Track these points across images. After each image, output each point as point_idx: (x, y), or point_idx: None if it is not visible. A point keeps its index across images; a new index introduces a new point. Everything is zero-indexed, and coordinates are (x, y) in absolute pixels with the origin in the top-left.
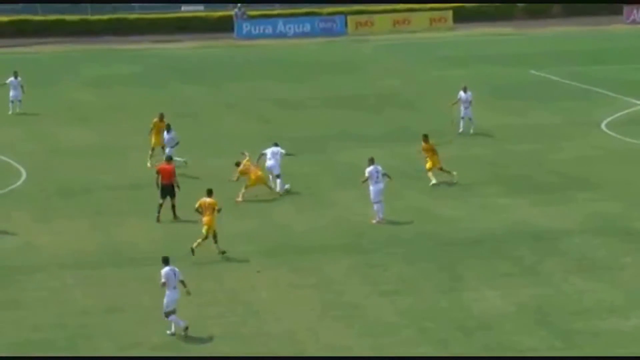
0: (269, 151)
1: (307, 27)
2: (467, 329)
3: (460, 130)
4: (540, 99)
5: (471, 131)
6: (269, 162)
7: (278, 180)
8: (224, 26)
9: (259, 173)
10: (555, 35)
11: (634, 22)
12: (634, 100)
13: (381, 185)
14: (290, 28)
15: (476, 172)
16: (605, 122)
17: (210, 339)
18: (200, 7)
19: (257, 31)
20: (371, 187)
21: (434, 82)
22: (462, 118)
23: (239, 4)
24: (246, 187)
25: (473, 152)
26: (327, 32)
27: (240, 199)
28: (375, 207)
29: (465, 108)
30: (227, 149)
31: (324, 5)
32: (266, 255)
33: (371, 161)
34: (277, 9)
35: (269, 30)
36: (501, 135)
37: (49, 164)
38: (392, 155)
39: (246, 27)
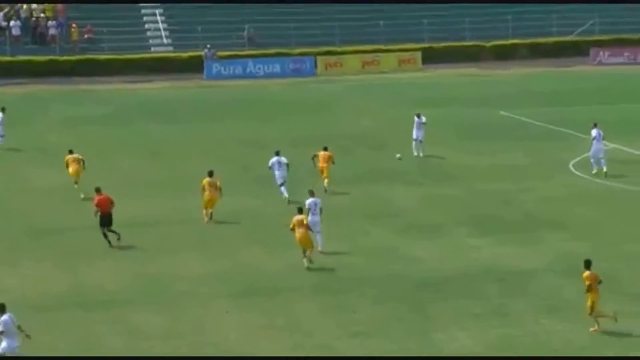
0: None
1: (277, 68)
2: None
3: (415, 153)
4: (509, 140)
5: (421, 154)
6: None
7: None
8: (194, 67)
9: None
10: (523, 77)
11: (600, 63)
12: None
13: (317, 218)
14: (260, 68)
15: (445, 212)
16: (572, 162)
17: None
18: (170, 47)
19: (226, 72)
20: (309, 218)
21: (404, 123)
22: (415, 140)
23: (208, 45)
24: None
25: (442, 192)
26: (297, 73)
27: None
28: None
29: (418, 130)
30: (192, 188)
31: (294, 47)
32: (235, 296)
33: (311, 193)
34: (247, 50)
35: (239, 70)
36: (470, 176)
37: (18, 205)
38: (362, 194)
39: (216, 67)
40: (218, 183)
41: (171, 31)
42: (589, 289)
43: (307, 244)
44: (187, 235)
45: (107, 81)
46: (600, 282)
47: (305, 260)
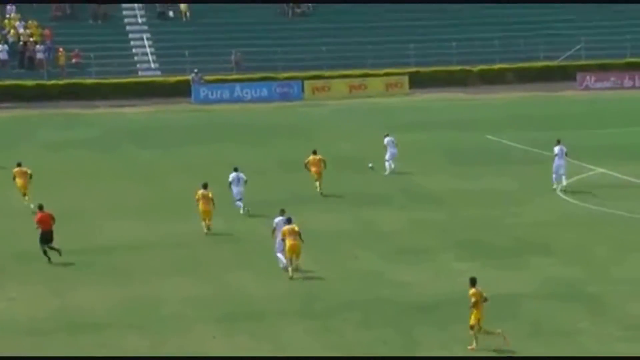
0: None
1: (265, 92)
2: None
3: (386, 172)
4: (496, 164)
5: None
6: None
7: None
8: (181, 91)
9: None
10: (510, 101)
11: (587, 88)
12: (588, 166)
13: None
14: (247, 93)
15: (431, 237)
16: (560, 187)
17: None
18: (158, 72)
19: (213, 96)
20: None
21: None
22: (387, 161)
23: (195, 69)
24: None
25: (428, 217)
26: (284, 97)
27: None
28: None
29: (392, 148)
30: (179, 211)
31: (281, 71)
32: (221, 320)
33: (282, 212)
34: (234, 74)
35: (226, 94)
36: (457, 200)
37: (5, 229)
38: (349, 218)
39: (203, 91)
40: (210, 195)
41: (158, 55)
42: (474, 305)
43: (297, 253)
44: (174, 258)
45: (95, 105)
46: (485, 300)
47: (290, 269)
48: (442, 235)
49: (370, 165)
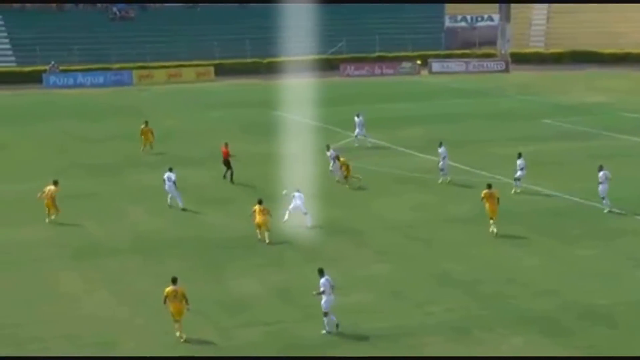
0: (296, 195)
1: (101, 79)
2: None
3: (357, 145)
4: (281, 133)
5: (368, 144)
6: (296, 202)
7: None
8: (34, 78)
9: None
10: (291, 85)
11: (348, 75)
12: (349, 133)
13: (299, 202)
14: (87, 79)
15: (231, 189)
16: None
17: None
18: (13, 63)
19: (61, 82)
20: (294, 203)
21: (200, 122)
22: (356, 136)
23: (52, 61)
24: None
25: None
26: (117, 83)
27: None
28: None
29: (360, 129)
30: (31, 174)
31: (114, 62)
32: (71, 258)
33: (298, 191)
34: (76, 65)
35: (71, 81)
36: (251, 161)
37: None
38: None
39: (52, 79)
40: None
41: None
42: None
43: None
44: (28, 210)
45: None
46: (185, 298)
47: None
48: (240, 187)
49: (284, 192)
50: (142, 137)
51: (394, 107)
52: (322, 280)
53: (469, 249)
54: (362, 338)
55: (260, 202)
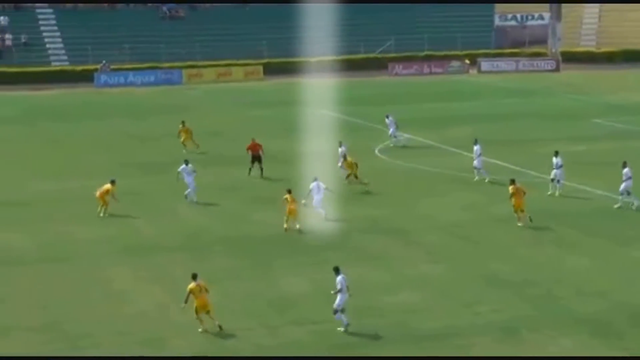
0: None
1: (151, 78)
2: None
3: (392, 145)
4: (328, 132)
5: (401, 144)
6: (316, 197)
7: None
8: (86, 77)
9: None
10: (340, 84)
11: (396, 74)
12: (397, 132)
13: (321, 196)
14: (138, 78)
15: (277, 186)
16: (377, 148)
17: None
18: (66, 62)
19: (112, 81)
20: (315, 197)
21: (248, 120)
22: (391, 137)
23: (104, 60)
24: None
25: (274, 174)
26: (167, 82)
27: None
28: (321, 211)
29: (393, 129)
30: (82, 172)
31: (164, 61)
32: (122, 254)
33: (315, 179)
34: (127, 64)
35: (122, 80)
36: (301, 159)
37: None
38: (220, 174)
39: (104, 77)
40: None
41: (68, 49)
42: (187, 299)
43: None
44: (82, 208)
45: (16, 88)
46: (207, 290)
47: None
48: (285, 184)
49: (303, 202)
50: (183, 135)
51: (442, 107)
52: (339, 278)
53: (517, 250)
54: (409, 338)
55: (289, 192)
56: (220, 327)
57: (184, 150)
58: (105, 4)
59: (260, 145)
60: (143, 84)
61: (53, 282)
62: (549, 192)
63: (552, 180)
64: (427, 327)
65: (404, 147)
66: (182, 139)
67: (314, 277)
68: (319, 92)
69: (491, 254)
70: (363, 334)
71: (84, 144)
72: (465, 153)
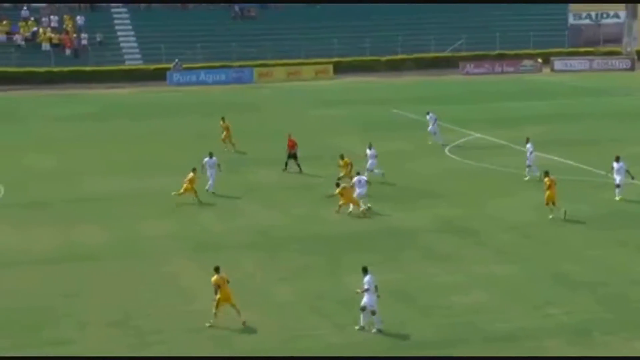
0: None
1: (223, 77)
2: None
3: (430, 142)
4: (398, 131)
5: (441, 142)
6: (358, 190)
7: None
8: (159, 76)
9: (351, 197)
10: (410, 83)
11: (467, 73)
12: (468, 132)
13: (364, 189)
14: (209, 77)
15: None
16: (448, 148)
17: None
18: (140, 61)
19: (184, 80)
20: (357, 190)
21: (319, 119)
22: (430, 133)
23: (176, 59)
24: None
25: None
26: (238, 81)
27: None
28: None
29: (432, 125)
30: (157, 169)
31: (235, 60)
32: (190, 252)
33: (358, 174)
34: (199, 63)
35: (194, 79)
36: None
37: (23, 183)
38: (290, 174)
39: (176, 76)
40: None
41: (142, 48)
42: (217, 291)
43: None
44: (154, 204)
45: (92, 87)
46: (228, 282)
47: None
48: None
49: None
50: (225, 133)
51: (514, 106)
52: (367, 278)
53: (589, 251)
54: (479, 338)
55: (337, 185)
56: (244, 323)
57: (229, 149)
58: (179, 4)
59: (296, 143)
60: (214, 83)
61: (124, 278)
62: (617, 198)
63: (618, 186)
64: (497, 328)
65: (479, 146)
66: (222, 136)
67: (384, 277)
68: (389, 90)
69: (562, 254)
70: (432, 334)
71: (156, 142)
72: (537, 152)
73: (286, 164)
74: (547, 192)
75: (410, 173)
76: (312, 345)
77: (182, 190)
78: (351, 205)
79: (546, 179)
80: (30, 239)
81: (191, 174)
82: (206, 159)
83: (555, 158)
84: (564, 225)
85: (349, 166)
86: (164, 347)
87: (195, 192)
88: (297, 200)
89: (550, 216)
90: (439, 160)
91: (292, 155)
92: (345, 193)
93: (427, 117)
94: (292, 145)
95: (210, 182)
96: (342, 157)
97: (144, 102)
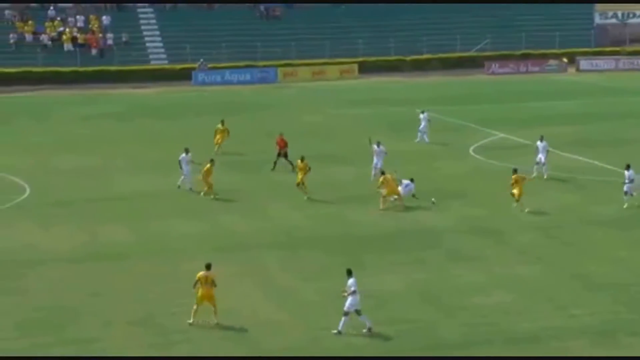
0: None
1: (248, 76)
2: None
3: (417, 140)
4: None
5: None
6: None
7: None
8: (184, 75)
9: (394, 187)
10: (435, 83)
11: (492, 73)
12: (492, 132)
13: (381, 159)
14: (234, 76)
15: (374, 185)
16: (472, 148)
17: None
18: (165, 61)
19: (209, 79)
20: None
21: (344, 119)
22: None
23: (201, 59)
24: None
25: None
26: (263, 80)
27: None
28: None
29: (424, 124)
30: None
31: (260, 60)
32: (215, 251)
33: (378, 143)
34: (224, 63)
35: (218, 78)
36: (394, 158)
37: (48, 182)
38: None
39: (201, 75)
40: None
41: (167, 48)
42: (195, 287)
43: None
44: (177, 203)
45: (118, 87)
46: (214, 282)
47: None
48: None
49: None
50: (218, 136)
51: (539, 106)
52: (351, 280)
53: (614, 252)
54: (503, 339)
55: (382, 173)
56: (216, 324)
57: (215, 152)
58: (204, 4)
59: (286, 142)
60: (239, 82)
61: (149, 277)
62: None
63: (626, 193)
64: (522, 329)
65: (499, 147)
66: (216, 139)
67: (408, 277)
68: (414, 90)
69: (586, 255)
70: (457, 335)
71: (181, 141)
72: (561, 153)
73: (275, 164)
74: (516, 189)
75: (435, 173)
76: (334, 345)
77: (206, 188)
78: (394, 196)
79: (513, 177)
80: (56, 238)
81: (208, 165)
82: (182, 155)
83: (581, 158)
84: (589, 226)
85: (308, 169)
86: (189, 346)
87: (210, 187)
88: (324, 200)
89: (523, 209)
90: (463, 160)
91: (283, 155)
92: (387, 183)
93: (421, 116)
94: (283, 145)
95: (182, 177)
96: (302, 160)
97: (169, 102)
